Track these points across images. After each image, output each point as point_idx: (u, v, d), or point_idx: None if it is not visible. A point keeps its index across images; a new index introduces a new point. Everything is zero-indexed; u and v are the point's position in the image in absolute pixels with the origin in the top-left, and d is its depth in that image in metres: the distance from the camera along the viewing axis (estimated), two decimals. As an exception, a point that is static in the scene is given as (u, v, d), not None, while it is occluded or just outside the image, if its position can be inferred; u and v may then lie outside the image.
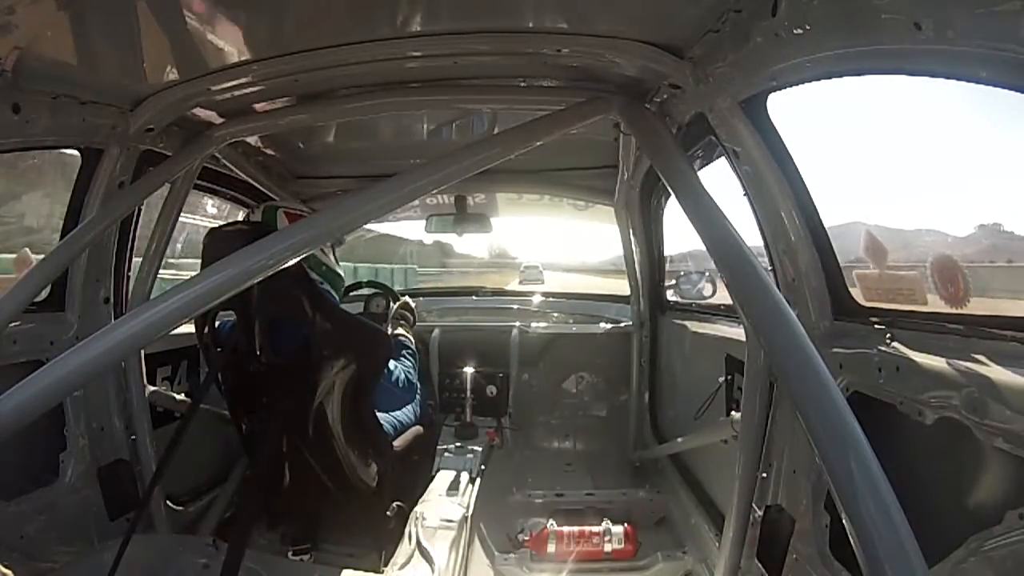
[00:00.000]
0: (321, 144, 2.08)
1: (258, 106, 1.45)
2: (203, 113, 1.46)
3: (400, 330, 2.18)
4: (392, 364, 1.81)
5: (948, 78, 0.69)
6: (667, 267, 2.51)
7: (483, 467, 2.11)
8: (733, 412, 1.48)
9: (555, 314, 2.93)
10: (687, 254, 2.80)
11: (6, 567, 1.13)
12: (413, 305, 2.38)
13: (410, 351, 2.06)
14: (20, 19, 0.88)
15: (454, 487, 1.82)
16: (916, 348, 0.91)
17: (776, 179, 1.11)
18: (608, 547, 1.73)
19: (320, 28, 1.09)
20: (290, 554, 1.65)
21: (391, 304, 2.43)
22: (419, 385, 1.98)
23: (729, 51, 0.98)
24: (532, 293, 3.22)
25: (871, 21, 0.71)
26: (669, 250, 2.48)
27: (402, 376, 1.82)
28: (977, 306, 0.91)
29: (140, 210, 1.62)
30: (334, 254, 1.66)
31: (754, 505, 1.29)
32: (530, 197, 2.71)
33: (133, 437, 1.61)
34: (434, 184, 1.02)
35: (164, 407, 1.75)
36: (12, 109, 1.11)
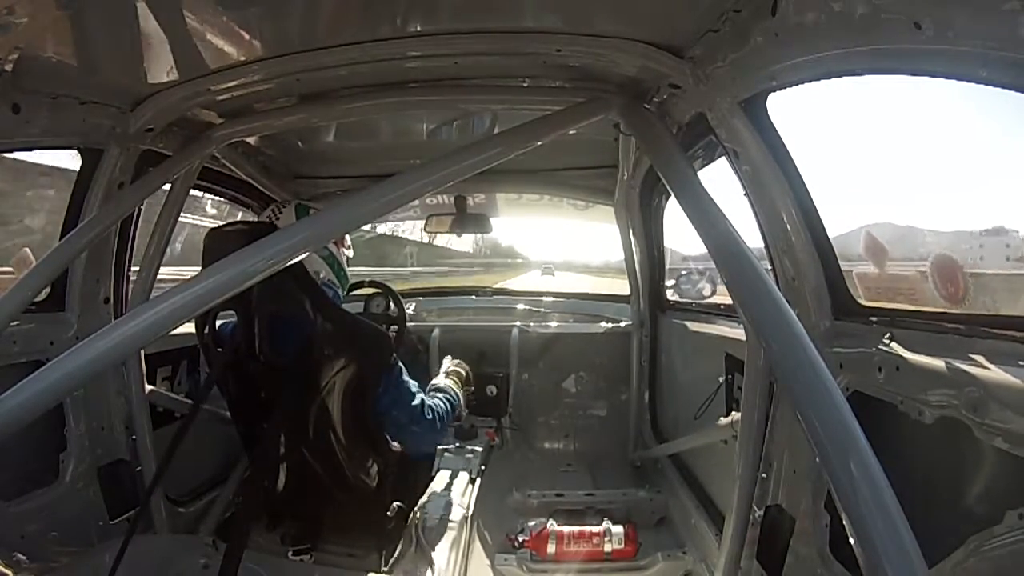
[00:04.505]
0: (321, 144, 2.08)
1: (258, 106, 1.45)
2: (203, 113, 1.46)
3: (449, 382, 1.80)
4: (420, 398, 1.54)
5: (948, 78, 0.69)
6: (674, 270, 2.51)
7: (483, 467, 2.11)
8: (733, 412, 1.48)
9: (555, 314, 2.93)
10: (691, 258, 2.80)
11: (6, 567, 1.13)
12: (466, 369, 1.93)
13: (449, 397, 1.70)
14: (20, 19, 0.88)
15: (454, 487, 1.82)
16: (916, 348, 0.91)
17: (776, 179, 1.11)
18: (608, 547, 1.73)
19: (320, 28, 1.09)
20: (290, 554, 1.64)
21: (391, 305, 2.42)
22: (444, 426, 1.65)
23: (729, 51, 0.98)
24: (532, 293, 3.22)
25: (871, 21, 0.71)
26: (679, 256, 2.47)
27: (419, 404, 1.53)
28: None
29: (140, 210, 1.62)
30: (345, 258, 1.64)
31: (754, 505, 1.29)
32: (530, 197, 2.71)
33: (133, 437, 1.61)
34: (434, 184, 1.02)
35: (164, 407, 1.75)
36: (12, 109, 1.11)
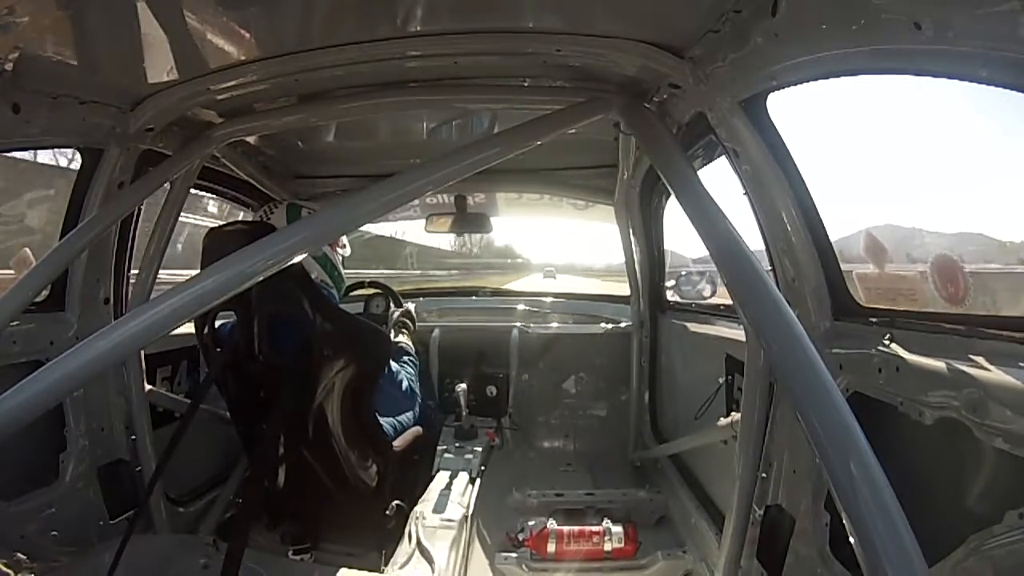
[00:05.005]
0: (321, 144, 2.08)
1: (258, 106, 1.45)
2: (203, 113, 1.46)
3: (402, 337, 2.16)
4: (396, 368, 1.79)
5: (948, 78, 0.69)
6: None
7: (483, 467, 2.11)
8: (733, 412, 1.48)
9: (555, 314, 2.93)
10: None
11: (6, 567, 1.13)
12: (414, 311, 2.37)
13: (412, 358, 2.05)
14: (20, 19, 0.88)
15: (454, 487, 1.82)
16: (916, 348, 0.91)
17: (776, 179, 1.11)
18: (608, 546, 1.73)
19: (320, 28, 1.09)
20: (290, 554, 1.65)
21: (391, 305, 2.42)
22: (419, 392, 1.97)
23: (729, 51, 0.98)
24: (532, 293, 3.22)
25: (871, 21, 0.71)
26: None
27: (405, 382, 1.81)
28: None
29: (140, 210, 1.63)
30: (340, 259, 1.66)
31: (754, 505, 1.29)
32: (530, 197, 2.72)
33: (133, 437, 1.61)
34: (434, 184, 1.02)
35: (164, 407, 1.75)
36: (12, 109, 1.11)
